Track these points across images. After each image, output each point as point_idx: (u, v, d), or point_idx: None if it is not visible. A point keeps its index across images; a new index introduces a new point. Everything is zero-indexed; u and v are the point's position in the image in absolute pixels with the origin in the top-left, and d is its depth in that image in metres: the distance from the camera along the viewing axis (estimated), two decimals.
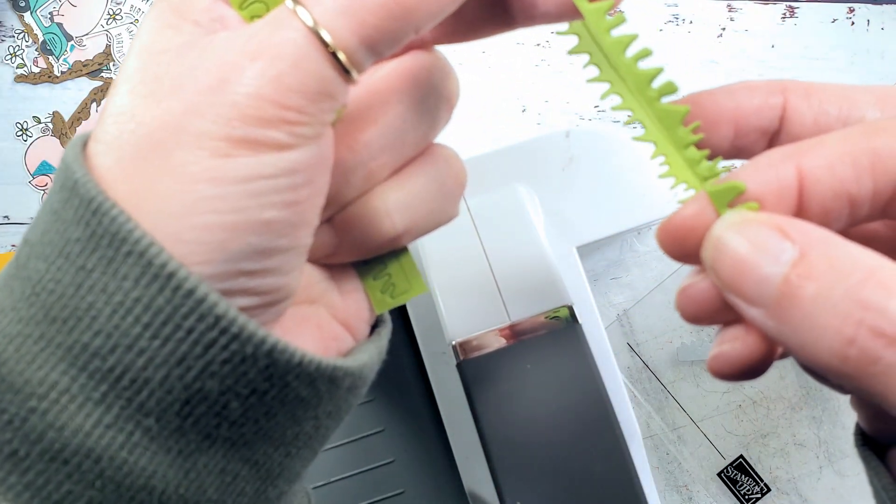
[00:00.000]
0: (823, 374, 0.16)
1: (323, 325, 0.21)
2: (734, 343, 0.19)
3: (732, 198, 0.17)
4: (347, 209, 0.20)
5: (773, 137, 0.21)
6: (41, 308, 0.16)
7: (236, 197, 0.16)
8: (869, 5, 0.54)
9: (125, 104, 0.17)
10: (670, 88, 0.18)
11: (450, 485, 0.41)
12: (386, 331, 0.23)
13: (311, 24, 0.16)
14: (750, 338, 0.18)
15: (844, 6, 0.54)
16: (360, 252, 0.21)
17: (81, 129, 0.53)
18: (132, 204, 0.16)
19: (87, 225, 0.16)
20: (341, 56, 0.16)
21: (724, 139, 0.21)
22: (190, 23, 0.18)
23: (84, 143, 0.18)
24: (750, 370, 0.19)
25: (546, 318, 0.35)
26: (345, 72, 0.17)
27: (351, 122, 0.20)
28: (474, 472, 0.40)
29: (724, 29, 0.54)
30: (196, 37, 0.17)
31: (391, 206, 0.20)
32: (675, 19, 0.53)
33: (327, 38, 0.16)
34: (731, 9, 0.54)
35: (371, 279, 0.22)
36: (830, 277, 0.15)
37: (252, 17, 0.18)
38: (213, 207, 0.16)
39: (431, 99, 0.21)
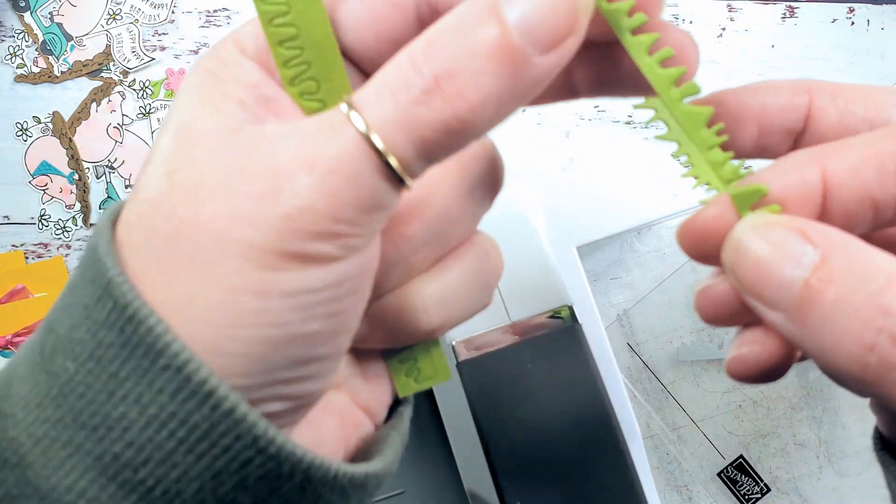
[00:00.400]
0: (842, 379, 0.16)
1: (345, 414, 0.20)
2: (753, 346, 0.18)
3: (755, 201, 0.17)
4: (383, 299, 0.20)
5: (798, 138, 0.21)
6: (69, 411, 0.16)
7: (280, 311, 0.15)
8: (869, 5, 0.54)
9: (163, 191, 0.16)
10: (693, 90, 0.17)
11: (450, 485, 0.41)
12: (408, 411, 0.22)
13: (367, 134, 0.15)
14: (770, 341, 0.18)
15: (844, 6, 0.54)
16: (392, 342, 0.20)
17: (81, 129, 0.53)
18: (169, 310, 0.15)
19: (121, 331, 0.15)
20: (397, 167, 0.15)
21: (748, 138, 0.21)
22: (234, 103, 0.17)
23: (113, 222, 0.17)
24: (769, 373, 0.18)
25: (546, 318, 0.35)
26: (399, 180, 0.16)
27: (396, 217, 0.19)
28: (474, 472, 0.40)
29: (724, 29, 0.54)
30: (241, 122, 0.16)
31: (429, 301, 0.19)
32: (675, 19, 0.53)
33: (383, 149, 0.15)
34: (731, 9, 0.54)
35: (396, 362, 0.21)
36: (851, 282, 0.15)
37: (302, 95, 0.17)
38: (255, 321, 0.15)
39: (479, 189, 0.20)
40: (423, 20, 0.18)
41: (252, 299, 0.15)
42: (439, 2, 0.17)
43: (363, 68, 0.18)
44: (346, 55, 0.18)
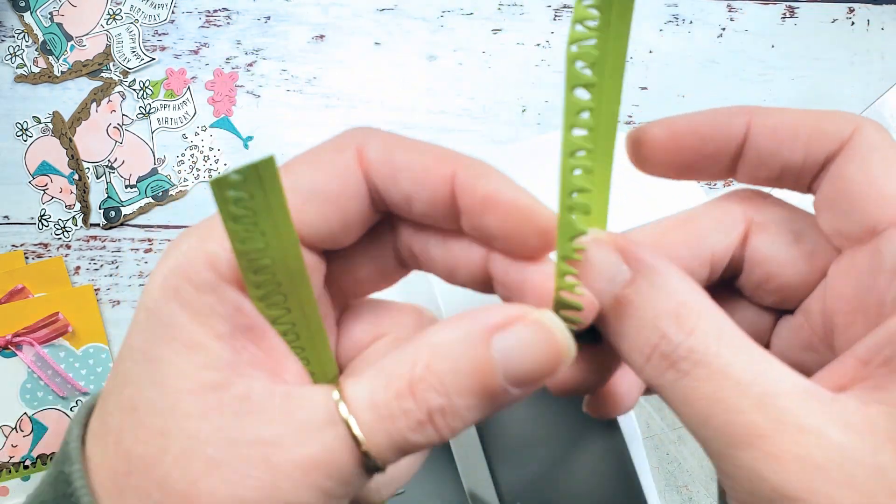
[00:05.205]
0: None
1: None
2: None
3: (571, 316, 0.19)
4: None
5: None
6: None
7: None
8: (869, 5, 0.54)
9: (154, 455, 0.17)
10: (584, 208, 0.19)
11: (450, 485, 0.41)
12: None
13: (361, 446, 0.17)
14: (579, 367, 0.21)
15: (844, 6, 0.54)
16: None
17: (81, 129, 0.53)
18: None
19: None
20: (381, 465, 0.17)
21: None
22: (212, 337, 0.17)
23: (81, 441, 0.18)
24: (579, 390, 0.21)
25: None
26: (377, 469, 0.18)
27: None
28: (474, 472, 0.40)
29: (724, 29, 0.54)
30: (223, 370, 0.17)
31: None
32: (675, 19, 0.53)
33: (377, 462, 0.17)
34: (731, 9, 0.54)
35: None
36: (646, 304, 0.18)
37: (270, 307, 0.18)
38: None
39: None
40: (376, 203, 0.20)
41: None
42: (384, 188, 0.19)
43: (320, 249, 0.20)
44: (305, 242, 0.19)
